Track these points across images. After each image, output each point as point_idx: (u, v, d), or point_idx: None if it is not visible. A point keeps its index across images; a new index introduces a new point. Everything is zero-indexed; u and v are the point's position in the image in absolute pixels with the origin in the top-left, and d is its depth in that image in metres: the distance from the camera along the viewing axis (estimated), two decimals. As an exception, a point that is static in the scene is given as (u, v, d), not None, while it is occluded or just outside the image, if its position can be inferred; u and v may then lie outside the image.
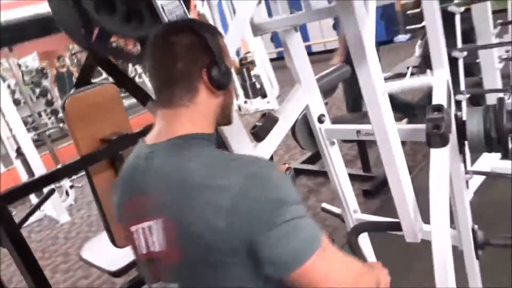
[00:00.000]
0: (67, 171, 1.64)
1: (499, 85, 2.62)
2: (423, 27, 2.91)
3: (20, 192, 1.49)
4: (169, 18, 1.06)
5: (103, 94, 1.73)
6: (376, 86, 1.03)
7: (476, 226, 1.37)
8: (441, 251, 0.96)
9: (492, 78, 2.61)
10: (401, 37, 8.26)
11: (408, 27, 5.33)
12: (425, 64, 2.32)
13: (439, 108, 1.03)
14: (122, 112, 1.80)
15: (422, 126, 1.09)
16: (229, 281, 0.75)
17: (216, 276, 0.75)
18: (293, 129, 1.69)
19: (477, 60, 2.63)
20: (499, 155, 2.63)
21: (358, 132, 1.45)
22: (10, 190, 1.43)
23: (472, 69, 2.72)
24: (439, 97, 1.07)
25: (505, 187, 2.45)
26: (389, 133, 1.04)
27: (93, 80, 2.10)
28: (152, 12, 1.11)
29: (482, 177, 2.46)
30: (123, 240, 1.85)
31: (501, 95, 2.28)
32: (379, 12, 7.86)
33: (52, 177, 1.60)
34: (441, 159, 1.01)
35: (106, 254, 2.07)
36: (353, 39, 1.02)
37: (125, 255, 1.98)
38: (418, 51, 3.85)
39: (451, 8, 2.17)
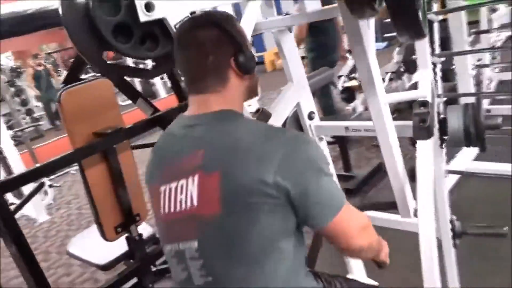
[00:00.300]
0: (61, 163, 1.64)
1: (472, 90, 2.78)
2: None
3: (17, 182, 1.50)
4: None
5: (98, 89, 1.75)
6: (379, 94, 1.12)
7: (454, 217, 1.47)
8: (426, 233, 1.05)
9: (466, 83, 2.77)
10: (378, 45, 8.51)
11: (385, 35, 5.52)
12: (405, 68, 2.45)
13: (424, 103, 1.12)
14: (115, 106, 1.83)
15: (410, 122, 1.19)
16: (263, 222, 0.83)
17: (250, 222, 0.83)
18: (284, 125, 1.76)
19: (453, 67, 2.79)
20: (471, 156, 2.80)
21: (346, 128, 1.54)
22: (7, 179, 1.45)
23: (448, 74, 2.88)
24: (424, 94, 1.16)
25: (477, 186, 2.61)
26: (388, 129, 1.13)
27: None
28: (165, 33, 1.17)
29: (456, 177, 2.60)
30: (113, 233, 1.88)
31: (473, 99, 2.44)
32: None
33: (48, 168, 1.61)
34: (426, 151, 1.10)
35: (94, 248, 2.08)
36: (357, 49, 1.11)
37: (114, 249, 2.00)
38: (396, 57, 4.01)
39: (430, 16, 2.30)
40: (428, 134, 1.09)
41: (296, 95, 1.57)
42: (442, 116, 1.29)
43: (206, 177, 0.84)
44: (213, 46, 0.90)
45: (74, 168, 5.28)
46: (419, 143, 1.12)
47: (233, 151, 0.85)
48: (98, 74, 2.03)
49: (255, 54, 1.19)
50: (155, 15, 1.09)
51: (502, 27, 3.85)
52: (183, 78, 0.98)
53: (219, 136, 0.88)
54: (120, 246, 1.97)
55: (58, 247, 3.29)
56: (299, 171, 0.82)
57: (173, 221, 0.90)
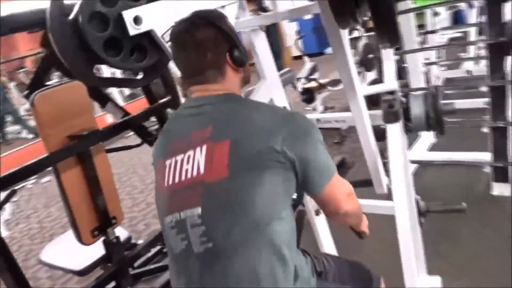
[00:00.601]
0: (36, 167, 1.62)
1: (423, 85, 2.99)
2: (354, 38, 3.25)
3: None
4: (169, 45, 1.18)
5: (71, 92, 1.74)
6: (356, 89, 1.23)
7: (419, 197, 1.60)
8: (402, 209, 1.16)
9: (417, 80, 2.98)
10: (331, 49, 8.82)
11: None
12: (364, 67, 2.62)
13: (391, 92, 1.24)
14: (89, 109, 1.83)
15: (380, 111, 1.31)
16: (268, 184, 0.91)
17: (256, 184, 0.91)
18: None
19: (405, 64, 2.99)
20: (426, 147, 3.01)
21: (318, 120, 1.64)
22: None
23: (401, 72, 3.08)
24: (390, 83, 1.28)
25: (432, 174, 2.81)
26: (364, 117, 1.24)
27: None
28: (152, 44, 1.22)
29: (413, 166, 2.79)
30: (89, 237, 1.87)
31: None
32: (311, 25, 8.34)
33: (23, 173, 1.58)
34: (396, 133, 1.22)
35: (69, 254, 2.04)
36: (339, 53, 1.22)
37: (90, 253, 1.98)
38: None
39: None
40: (396, 118, 1.21)
41: (268, 92, 1.65)
42: (405, 104, 1.42)
43: (216, 145, 0.92)
44: (210, 44, 0.99)
45: (30, 182, 5.08)
46: (389, 127, 1.24)
47: (241, 123, 0.95)
48: (65, 79, 2.02)
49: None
50: (143, 27, 1.15)
51: (445, 28, 4.16)
52: (181, 73, 1.05)
53: (226, 112, 0.98)
54: (96, 250, 1.96)
55: (22, 262, 3.16)
56: (301, 142, 0.93)
57: (177, 190, 0.96)
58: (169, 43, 1.11)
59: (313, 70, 4.32)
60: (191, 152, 0.95)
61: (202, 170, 0.93)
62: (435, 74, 3.87)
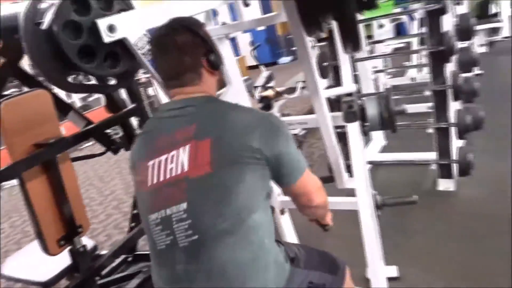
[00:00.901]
0: (3, 176, 1.60)
1: (372, 91, 3.21)
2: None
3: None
4: (140, 52, 1.24)
5: (36, 100, 1.73)
6: (320, 92, 1.34)
7: (375, 192, 1.74)
8: (364, 202, 1.28)
9: (367, 86, 3.19)
10: (284, 59, 9.08)
11: (292, 48, 5.97)
12: (320, 74, 2.76)
13: (350, 94, 1.37)
14: (54, 118, 1.82)
15: (340, 113, 1.43)
16: (248, 180, 0.99)
17: (237, 179, 0.98)
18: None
19: (357, 72, 3.19)
20: (378, 149, 3.21)
21: (282, 123, 1.74)
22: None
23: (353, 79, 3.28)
24: (349, 86, 1.41)
25: (383, 173, 3.01)
26: (327, 119, 1.35)
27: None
28: (125, 52, 1.27)
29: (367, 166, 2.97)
30: (55, 247, 1.84)
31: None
32: (264, 36, 8.55)
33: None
34: (355, 131, 1.34)
35: (33, 266, 2.00)
36: (305, 58, 1.32)
37: (55, 264, 1.95)
38: (305, 68, 4.40)
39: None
40: (355, 117, 1.34)
41: (235, 96, 1.74)
42: (361, 106, 1.56)
43: (199, 143, 0.98)
44: (189, 48, 1.07)
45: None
46: (349, 126, 1.36)
47: (222, 122, 1.02)
48: (24, 89, 1.99)
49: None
50: (117, 35, 1.19)
51: (391, 38, 4.46)
52: (161, 75, 1.13)
53: (208, 112, 1.05)
54: (60, 261, 1.93)
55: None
56: (275, 139, 1.02)
57: (161, 188, 1.01)
58: (149, 48, 1.16)
59: (269, 78, 4.45)
60: (174, 152, 1.01)
61: (186, 167, 0.98)
62: (383, 81, 4.13)
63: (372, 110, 1.53)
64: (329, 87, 2.81)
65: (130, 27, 1.23)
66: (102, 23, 1.17)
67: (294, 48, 5.63)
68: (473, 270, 1.90)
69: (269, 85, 4.33)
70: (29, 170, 1.68)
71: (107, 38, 1.19)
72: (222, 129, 1.01)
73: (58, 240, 1.84)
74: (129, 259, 2.67)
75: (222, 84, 1.22)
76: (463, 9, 3.44)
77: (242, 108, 1.13)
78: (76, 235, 1.90)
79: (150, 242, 1.08)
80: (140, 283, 2.35)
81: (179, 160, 1.00)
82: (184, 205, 0.98)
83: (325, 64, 2.75)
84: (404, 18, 5.78)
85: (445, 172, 2.64)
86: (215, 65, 1.12)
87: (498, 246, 2.02)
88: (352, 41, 1.00)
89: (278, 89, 4.50)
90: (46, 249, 1.83)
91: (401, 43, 5.77)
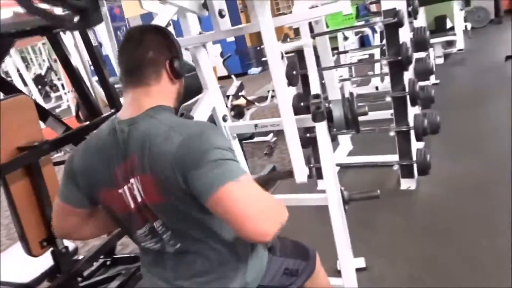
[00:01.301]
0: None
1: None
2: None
3: None
4: None
5: (19, 104, 1.79)
6: (287, 96, 1.48)
7: (343, 188, 1.89)
8: (334, 197, 1.42)
9: (334, 94, 3.38)
10: (254, 70, 9.28)
11: (262, 59, 6.16)
12: (289, 81, 2.93)
13: (318, 96, 1.52)
14: (36, 122, 1.88)
15: (305, 116, 1.57)
16: (188, 209, 1.01)
17: (186, 203, 0.99)
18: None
19: (324, 81, 3.38)
20: (345, 153, 3.40)
21: (256, 125, 1.88)
22: None
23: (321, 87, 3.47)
24: (316, 89, 1.56)
25: (351, 175, 3.19)
26: (291, 121, 1.48)
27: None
28: None
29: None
30: (38, 248, 1.89)
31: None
32: (234, 47, 8.73)
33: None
34: (323, 130, 1.49)
35: (14, 268, 2.03)
36: (275, 66, 1.44)
37: (37, 266, 1.99)
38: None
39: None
40: (322, 117, 1.49)
41: (211, 101, 1.86)
42: (328, 108, 1.72)
43: (144, 176, 1.00)
44: (154, 45, 1.08)
45: None
46: (317, 125, 1.51)
47: (154, 150, 0.98)
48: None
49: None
50: None
51: (355, 50, 4.72)
52: (121, 69, 1.10)
53: (147, 137, 0.99)
54: (42, 263, 1.98)
55: None
56: (186, 162, 0.94)
57: (136, 211, 1.07)
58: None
59: (241, 88, 4.61)
60: (133, 180, 1.03)
61: (143, 196, 1.03)
62: (349, 90, 4.36)
63: (337, 111, 1.69)
64: (297, 94, 2.98)
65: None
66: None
67: (264, 59, 5.83)
68: (433, 260, 2.09)
69: (241, 93, 4.49)
70: (13, 172, 1.74)
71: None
72: (154, 159, 0.98)
73: (40, 241, 1.89)
74: (108, 262, 2.72)
75: (180, 97, 1.17)
76: (419, 23, 3.72)
77: (178, 123, 1.04)
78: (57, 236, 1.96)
79: (142, 250, 1.19)
80: (120, 285, 2.41)
81: (136, 189, 1.03)
82: (159, 222, 1.07)
83: (294, 73, 2.92)
84: (368, 31, 6.12)
85: (406, 172, 2.84)
86: (177, 73, 1.11)
87: (454, 239, 2.22)
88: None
89: (249, 97, 4.68)
90: (29, 250, 1.87)
91: (365, 54, 6.09)
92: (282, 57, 3.58)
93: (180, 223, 1.06)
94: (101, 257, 2.66)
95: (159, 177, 0.98)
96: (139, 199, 1.05)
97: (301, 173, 1.52)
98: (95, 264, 2.66)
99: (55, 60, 7.92)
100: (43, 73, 10.16)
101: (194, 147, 0.95)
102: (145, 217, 1.08)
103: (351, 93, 1.72)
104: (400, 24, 2.55)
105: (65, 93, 8.36)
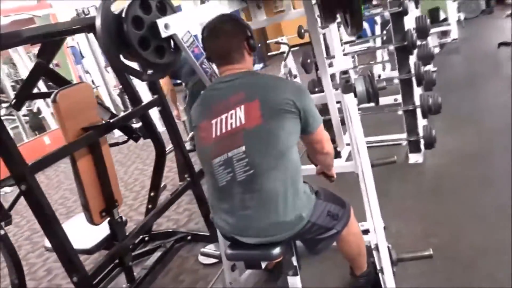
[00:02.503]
0: (57, 156, 1.89)
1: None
2: (281, 53, 3.88)
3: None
4: (186, 44, 1.57)
5: (83, 91, 2.05)
6: (328, 76, 1.74)
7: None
8: (366, 162, 1.66)
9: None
10: (256, 66, 9.53)
11: (269, 53, 6.42)
12: (304, 69, 3.20)
13: (346, 72, 1.79)
14: (95, 106, 2.14)
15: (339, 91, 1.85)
16: (287, 126, 1.36)
17: (280, 126, 1.35)
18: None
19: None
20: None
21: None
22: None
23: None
24: (344, 65, 1.83)
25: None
26: (332, 94, 1.75)
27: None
28: (169, 47, 1.62)
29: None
30: (98, 217, 2.14)
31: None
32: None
33: (50, 159, 1.84)
34: (351, 100, 1.76)
35: (72, 238, 2.28)
36: (317, 43, 1.71)
37: (98, 233, 2.22)
38: (283, 70, 4.85)
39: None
40: (350, 90, 1.76)
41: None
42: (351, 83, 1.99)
43: (250, 104, 1.36)
44: (235, 33, 1.45)
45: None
46: (346, 97, 1.77)
47: (264, 87, 1.40)
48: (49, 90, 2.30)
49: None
50: (170, 31, 1.51)
51: (358, 40, 5.00)
52: (212, 56, 1.50)
53: (252, 81, 1.43)
54: (100, 232, 2.22)
55: None
56: (302, 97, 1.41)
57: (224, 137, 1.37)
58: (204, 35, 1.49)
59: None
60: (233, 111, 1.37)
61: (243, 121, 1.35)
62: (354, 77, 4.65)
63: (360, 86, 1.97)
64: (312, 80, 3.26)
65: (179, 25, 1.56)
66: (160, 22, 1.49)
67: (272, 53, 6.05)
68: (443, 217, 2.36)
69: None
70: (79, 150, 1.99)
71: (163, 33, 1.50)
72: (265, 91, 1.38)
73: (100, 211, 2.15)
74: (146, 238, 2.99)
75: (254, 63, 1.58)
76: (418, 13, 3.99)
77: (274, 76, 1.52)
78: (114, 207, 2.21)
79: (212, 182, 1.46)
80: (161, 255, 2.68)
81: (237, 116, 1.36)
82: (243, 148, 1.35)
83: (309, 61, 3.19)
84: (365, 24, 6.40)
85: (414, 147, 3.12)
86: (253, 48, 1.50)
87: (460, 198, 2.50)
88: (356, 26, 1.40)
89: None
90: (91, 219, 2.12)
91: (363, 47, 6.36)
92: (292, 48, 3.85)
93: (262, 148, 1.35)
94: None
95: (268, 101, 1.34)
96: (235, 125, 1.36)
97: (341, 142, 1.80)
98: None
99: (56, 65, 8.09)
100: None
101: (301, 87, 1.44)
102: (230, 143, 1.37)
103: (370, 71, 1.99)
104: (405, 12, 2.83)
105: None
